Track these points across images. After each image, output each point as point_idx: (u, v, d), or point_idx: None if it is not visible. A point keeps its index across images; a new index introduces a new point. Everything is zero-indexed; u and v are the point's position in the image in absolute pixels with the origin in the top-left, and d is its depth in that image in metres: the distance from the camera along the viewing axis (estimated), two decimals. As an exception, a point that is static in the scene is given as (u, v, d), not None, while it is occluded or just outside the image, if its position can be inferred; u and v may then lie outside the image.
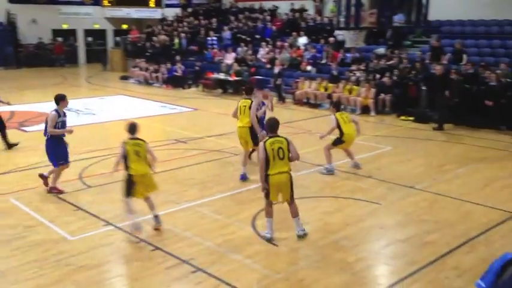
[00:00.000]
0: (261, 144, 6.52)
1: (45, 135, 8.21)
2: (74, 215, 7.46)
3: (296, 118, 15.20)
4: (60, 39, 30.75)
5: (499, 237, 6.62)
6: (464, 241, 6.52)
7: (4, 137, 11.35)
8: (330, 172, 9.34)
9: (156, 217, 6.83)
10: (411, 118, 14.64)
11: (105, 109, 16.83)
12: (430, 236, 6.71)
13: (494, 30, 17.33)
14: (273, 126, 6.51)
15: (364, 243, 6.60)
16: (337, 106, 9.78)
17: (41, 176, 8.48)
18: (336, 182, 9.00)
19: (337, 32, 18.95)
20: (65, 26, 31.50)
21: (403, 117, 14.89)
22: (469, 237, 6.63)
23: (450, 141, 12.29)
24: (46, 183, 8.39)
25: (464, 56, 15.69)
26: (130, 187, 6.63)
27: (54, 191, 8.25)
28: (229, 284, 5.45)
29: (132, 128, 6.78)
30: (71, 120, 13.48)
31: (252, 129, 8.99)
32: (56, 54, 30.35)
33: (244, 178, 8.98)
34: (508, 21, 17.18)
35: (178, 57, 22.62)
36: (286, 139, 6.43)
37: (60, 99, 8.23)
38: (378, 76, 16.42)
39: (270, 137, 6.44)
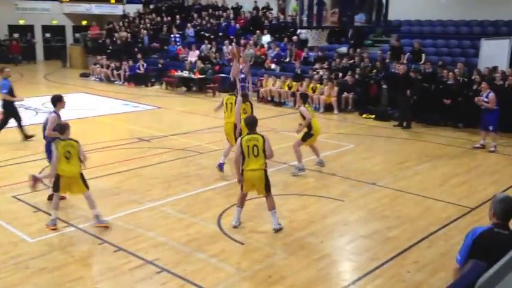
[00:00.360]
0: (238, 140, 6.79)
1: (44, 138, 7.88)
2: (34, 216, 7.25)
3: (261, 116, 15.06)
4: (16, 35, 29.76)
5: (457, 232, 6.82)
6: (424, 236, 6.70)
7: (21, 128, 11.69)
8: (301, 171, 9.29)
9: (96, 216, 6.81)
10: (372, 116, 14.93)
11: (65, 107, 16.37)
12: (392, 231, 6.87)
13: (451, 30, 17.87)
14: (251, 124, 6.85)
15: (329, 239, 6.69)
16: (304, 98, 9.74)
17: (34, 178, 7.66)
18: (300, 180, 9.08)
19: (300, 31, 19.10)
20: (21, 22, 30.50)
21: (365, 116, 15.16)
22: (429, 232, 6.81)
23: (410, 139, 12.60)
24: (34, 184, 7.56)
25: (423, 56, 16.13)
26: (57, 184, 6.72)
27: (34, 181, 7.50)
28: (195, 284, 5.42)
29: (63, 129, 6.78)
30: (29, 119, 13.19)
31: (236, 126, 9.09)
32: (12, 53, 29.34)
33: (221, 166, 9.09)
34: (464, 22, 17.76)
35: (139, 55, 22.25)
36: (262, 137, 6.66)
37: (57, 101, 7.87)
38: (340, 75, 16.67)
39: (248, 134, 6.72)
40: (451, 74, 13.79)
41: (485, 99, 11.18)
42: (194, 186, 8.63)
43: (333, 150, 11.11)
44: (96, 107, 16.61)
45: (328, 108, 15.90)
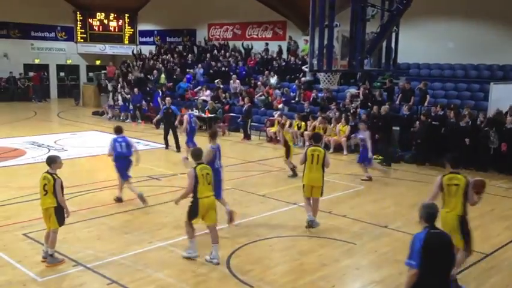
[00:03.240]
0: (191, 170, 6.97)
1: None
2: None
3: (270, 156, 15.29)
4: (32, 74, 30.52)
5: (471, 278, 6.69)
6: (438, 281, 6.55)
7: None
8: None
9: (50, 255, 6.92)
10: (381, 157, 14.88)
11: (77, 145, 16.55)
12: (405, 277, 6.71)
13: (460, 73, 17.98)
14: (197, 155, 7.28)
15: (341, 284, 6.57)
16: (316, 138, 9.12)
17: None
18: (310, 221, 8.98)
19: (309, 72, 19.36)
20: (37, 61, 31.26)
21: (374, 157, 15.09)
22: (443, 278, 6.66)
23: (420, 181, 12.48)
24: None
25: (427, 97, 16.18)
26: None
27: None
28: (205, 327, 5.32)
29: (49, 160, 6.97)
30: (40, 158, 13.28)
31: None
32: (33, 84, 30.01)
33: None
34: (472, 66, 17.90)
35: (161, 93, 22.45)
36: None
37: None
38: (350, 116, 16.75)
39: (199, 164, 7.06)
40: (463, 116, 13.73)
41: (361, 136, 12.24)
42: (204, 225, 8.55)
43: (343, 191, 11.05)
44: (108, 145, 16.70)
45: (338, 148, 15.92)
